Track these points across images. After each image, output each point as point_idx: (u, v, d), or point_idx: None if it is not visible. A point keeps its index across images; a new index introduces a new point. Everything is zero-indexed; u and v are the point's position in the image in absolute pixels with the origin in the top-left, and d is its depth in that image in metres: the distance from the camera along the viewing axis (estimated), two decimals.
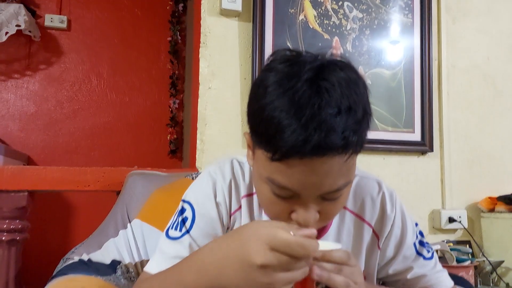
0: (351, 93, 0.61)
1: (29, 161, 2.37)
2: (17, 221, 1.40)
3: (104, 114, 2.56)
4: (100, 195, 1.73)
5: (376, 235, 0.84)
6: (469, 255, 1.67)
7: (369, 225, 0.83)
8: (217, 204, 0.80)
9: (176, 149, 2.62)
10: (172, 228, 0.80)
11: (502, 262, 1.72)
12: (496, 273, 1.71)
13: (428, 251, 0.87)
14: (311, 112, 0.59)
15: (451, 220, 1.81)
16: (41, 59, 2.50)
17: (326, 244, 0.69)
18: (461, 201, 1.88)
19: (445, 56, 1.91)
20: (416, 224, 0.89)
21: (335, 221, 0.83)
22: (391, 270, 0.85)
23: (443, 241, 1.79)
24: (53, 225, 2.30)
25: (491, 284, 1.73)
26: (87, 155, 2.48)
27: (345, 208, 0.84)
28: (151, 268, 0.76)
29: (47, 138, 2.46)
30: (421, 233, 0.88)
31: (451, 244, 1.76)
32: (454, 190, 1.87)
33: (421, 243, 0.87)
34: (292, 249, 0.54)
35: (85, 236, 1.27)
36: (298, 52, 0.66)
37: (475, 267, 1.67)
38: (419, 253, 0.85)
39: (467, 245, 1.84)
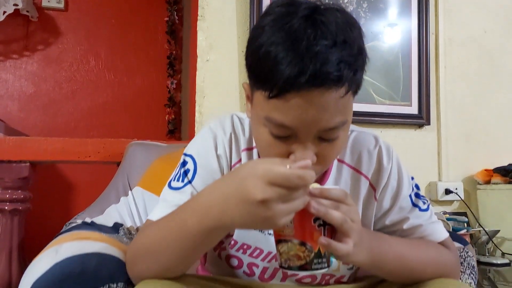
0: (347, 30, 0.64)
1: None
2: (19, 191, 1.43)
3: (102, 94, 2.57)
4: (100, 169, 1.75)
5: (372, 187, 0.85)
6: (465, 224, 1.70)
7: (366, 177, 0.85)
8: (218, 157, 0.81)
9: (175, 129, 2.63)
10: (174, 180, 0.82)
11: (498, 231, 1.75)
12: (493, 242, 1.74)
13: (424, 203, 0.88)
14: (306, 44, 0.60)
15: (447, 192, 1.83)
16: (39, 39, 2.50)
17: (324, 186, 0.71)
18: (457, 173, 1.90)
19: (442, 29, 1.92)
20: (412, 178, 0.90)
21: (333, 174, 0.84)
22: (387, 221, 0.86)
23: (440, 212, 1.81)
24: (55, 198, 2.32)
25: (487, 254, 1.76)
26: (85, 135, 2.48)
27: (342, 161, 0.85)
28: (154, 216, 0.77)
29: (46, 119, 2.47)
30: (417, 186, 0.90)
31: (448, 215, 1.78)
32: (451, 163, 1.89)
33: (417, 195, 0.88)
34: (289, 181, 0.55)
35: (87, 204, 1.29)
36: None
37: (471, 237, 1.70)
38: (415, 204, 0.86)
39: (463, 217, 1.86)
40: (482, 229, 1.75)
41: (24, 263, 1.40)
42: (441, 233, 0.87)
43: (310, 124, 0.64)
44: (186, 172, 0.81)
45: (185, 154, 0.84)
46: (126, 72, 2.62)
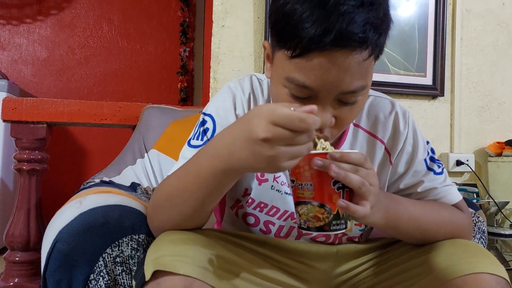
0: None
1: None
2: (36, 152, 1.45)
3: (115, 61, 2.58)
4: (115, 133, 1.77)
5: (388, 151, 0.86)
6: (475, 195, 1.71)
7: (382, 142, 0.86)
8: (236, 116, 0.82)
9: (187, 97, 2.64)
10: (193, 138, 0.83)
11: (507, 203, 1.76)
12: (502, 213, 1.76)
13: (439, 166, 0.89)
14: (334, 2, 0.60)
15: (458, 163, 1.83)
16: (52, 3, 2.49)
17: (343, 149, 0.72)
18: (469, 145, 1.90)
19: (460, 0, 1.89)
20: (428, 142, 0.90)
21: (348, 138, 0.85)
22: (402, 185, 0.88)
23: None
24: (70, 160, 2.37)
25: (495, 225, 1.78)
26: (99, 101, 2.50)
27: (358, 126, 0.86)
28: (174, 170, 0.79)
29: (60, 84, 2.49)
30: (432, 150, 0.90)
31: (458, 186, 1.79)
32: (463, 135, 1.89)
33: (432, 159, 0.89)
34: (291, 121, 0.55)
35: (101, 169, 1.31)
36: None
37: (480, 207, 1.71)
38: (429, 168, 0.87)
39: (474, 187, 1.88)
40: (491, 200, 1.76)
41: (41, 222, 1.43)
42: (455, 195, 0.88)
43: (331, 85, 0.64)
44: (205, 131, 0.82)
45: (204, 114, 0.85)
46: (139, 39, 2.62)
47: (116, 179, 1.19)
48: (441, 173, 0.89)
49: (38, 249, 1.33)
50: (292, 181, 0.66)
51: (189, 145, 0.83)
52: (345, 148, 0.85)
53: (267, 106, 0.58)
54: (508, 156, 1.82)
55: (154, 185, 1.24)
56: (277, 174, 0.85)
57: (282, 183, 0.84)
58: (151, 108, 1.43)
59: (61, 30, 2.50)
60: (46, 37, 2.48)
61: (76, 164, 2.40)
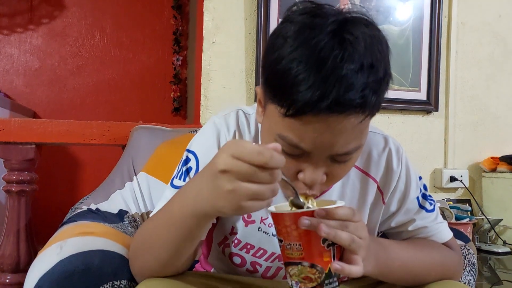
0: (375, 50, 0.60)
1: (34, 117, 2.39)
2: (26, 172, 1.43)
3: (108, 70, 2.55)
4: (106, 150, 1.76)
5: (380, 191, 0.84)
6: (468, 213, 1.70)
7: (374, 180, 0.83)
8: None
9: (180, 106, 2.62)
10: (176, 177, 0.81)
11: (500, 220, 1.75)
12: (494, 230, 1.75)
13: (431, 204, 0.87)
14: (332, 65, 0.57)
15: (452, 179, 1.82)
16: (44, 12, 2.46)
17: (330, 201, 0.70)
18: (463, 161, 1.89)
19: (456, 12, 1.87)
20: (420, 178, 0.89)
21: None
22: (393, 223, 0.86)
23: (443, 199, 1.81)
24: (61, 179, 2.34)
25: (489, 242, 1.77)
26: (91, 112, 2.49)
27: None
28: (155, 211, 0.78)
29: (52, 94, 2.47)
30: (424, 187, 0.89)
31: (451, 203, 1.78)
32: (457, 150, 1.87)
33: (424, 196, 0.87)
34: (250, 154, 0.53)
35: (92, 188, 1.30)
36: (319, 4, 0.64)
37: (474, 225, 1.70)
38: (421, 206, 0.86)
39: (467, 204, 1.87)
40: (484, 217, 1.75)
41: (32, 243, 1.42)
42: (446, 233, 0.87)
43: (324, 148, 0.62)
44: (188, 171, 0.80)
45: (188, 151, 0.83)
46: (132, 48, 2.60)
47: (104, 205, 1.17)
48: (432, 210, 0.87)
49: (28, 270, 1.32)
50: (280, 240, 0.64)
51: (172, 185, 0.81)
52: (336, 187, 0.83)
53: (233, 140, 0.58)
54: (502, 172, 1.81)
55: (143, 210, 1.22)
56: (264, 215, 0.82)
57: (270, 225, 0.82)
58: (140, 128, 1.41)
59: (53, 39, 2.48)
60: (38, 46, 2.46)
61: (67, 179, 2.38)
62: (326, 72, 0.57)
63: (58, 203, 1.58)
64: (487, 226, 1.76)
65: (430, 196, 0.89)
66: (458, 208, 1.70)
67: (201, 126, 1.54)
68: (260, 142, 0.81)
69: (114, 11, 2.57)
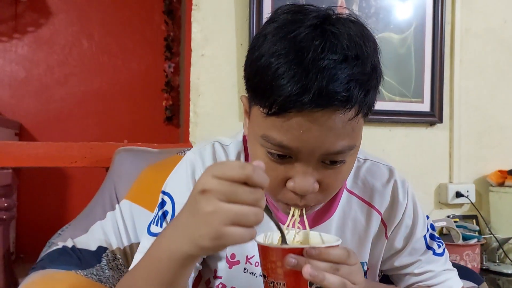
0: (360, 44, 0.56)
1: (21, 129, 2.29)
2: (3, 199, 1.35)
3: (97, 79, 2.46)
4: (92, 167, 1.66)
5: (384, 224, 0.78)
6: (476, 232, 1.61)
7: (378, 212, 0.77)
8: None
9: (172, 115, 2.52)
10: (153, 223, 0.75)
11: (509, 239, 1.66)
12: (503, 250, 1.65)
13: (439, 246, 0.81)
14: (312, 57, 0.53)
15: (458, 195, 1.73)
16: (29, 20, 2.37)
17: (326, 238, 0.62)
18: (469, 174, 1.79)
19: (459, 19, 1.76)
20: (427, 217, 0.83)
21: (341, 205, 0.76)
22: (397, 263, 0.80)
23: (449, 216, 1.72)
24: (47, 198, 2.25)
25: (497, 261, 1.68)
26: (80, 122, 2.39)
27: (352, 193, 0.78)
28: (133, 264, 0.71)
29: (39, 105, 2.37)
30: (432, 227, 0.83)
31: (457, 220, 1.69)
32: (463, 163, 1.78)
33: (432, 237, 0.81)
34: (231, 169, 0.48)
35: (81, 208, 1.21)
36: (304, 4, 0.61)
37: (481, 245, 1.61)
38: (429, 247, 0.80)
39: (474, 220, 1.77)
40: (492, 235, 1.66)
41: (10, 274, 1.33)
42: (455, 283, 0.80)
43: (312, 146, 0.56)
44: (164, 215, 0.73)
45: (163, 192, 0.76)
46: (121, 55, 2.50)
47: (82, 240, 1.08)
48: (441, 254, 0.80)
49: None
50: (264, 276, 0.57)
51: (149, 231, 0.74)
52: (335, 217, 0.76)
53: (217, 162, 0.54)
54: (510, 186, 1.72)
55: (126, 243, 1.13)
56: (250, 254, 0.75)
57: (257, 264, 0.75)
58: (123, 151, 1.31)
59: (39, 48, 2.38)
60: (24, 55, 2.36)
61: (54, 199, 2.28)
62: (307, 64, 0.53)
63: (45, 223, 1.48)
64: (495, 244, 1.67)
65: (439, 238, 0.82)
66: (465, 227, 1.60)
67: (191, 145, 1.46)
68: None
69: (102, 18, 2.47)
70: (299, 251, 0.53)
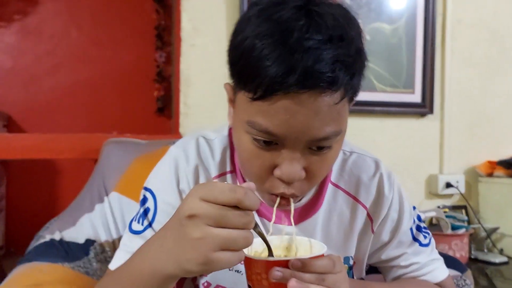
0: (344, 26, 0.55)
1: (9, 121, 2.26)
2: None
3: (86, 69, 2.41)
4: (81, 159, 1.64)
5: (370, 218, 0.77)
6: (465, 222, 1.62)
7: (364, 206, 0.77)
8: (180, 192, 0.72)
9: (164, 106, 2.49)
10: (135, 220, 0.73)
11: (497, 228, 1.68)
12: (491, 239, 1.67)
13: (425, 237, 0.81)
14: (297, 36, 0.52)
15: (448, 185, 1.74)
16: (15, 8, 2.31)
17: (312, 243, 0.61)
18: (459, 165, 1.80)
19: (451, 9, 1.76)
20: (414, 208, 0.83)
21: (327, 199, 0.76)
22: (383, 256, 0.80)
23: (438, 206, 1.73)
24: (37, 191, 2.22)
25: (485, 250, 1.70)
26: (70, 113, 2.36)
27: (337, 186, 0.77)
28: (113, 265, 0.70)
29: (27, 96, 2.33)
30: (419, 218, 0.82)
31: (447, 210, 1.70)
32: (453, 154, 1.78)
33: (418, 228, 0.81)
34: (222, 192, 0.46)
35: (70, 200, 1.20)
36: None
37: (470, 234, 1.62)
38: (415, 239, 0.80)
39: (463, 210, 1.79)
40: (480, 225, 1.68)
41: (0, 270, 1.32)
42: (441, 272, 0.81)
43: (298, 131, 0.56)
44: (146, 212, 0.72)
45: (145, 188, 0.75)
46: (111, 45, 2.46)
47: (70, 233, 1.07)
48: (427, 244, 0.80)
49: None
50: (249, 286, 0.56)
51: (131, 229, 0.73)
52: (321, 212, 0.75)
53: (202, 183, 0.52)
54: (499, 177, 1.73)
55: (114, 236, 1.12)
56: None
57: (242, 262, 0.74)
58: (112, 142, 1.30)
59: (26, 37, 2.33)
60: (10, 44, 2.31)
61: (44, 190, 2.24)
62: (292, 45, 0.52)
63: (36, 217, 1.45)
64: (483, 234, 1.68)
65: (425, 228, 0.82)
66: (454, 217, 1.61)
67: (181, 137, 1.45)
68: (227, 167, 0.74)
69: (91, 6, 2.42)
70: (284, 263, 0.53)
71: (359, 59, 0.57)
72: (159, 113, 2.50)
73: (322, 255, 0.56)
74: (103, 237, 1.08)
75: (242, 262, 0.73)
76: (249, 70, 0.55)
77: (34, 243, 1.04)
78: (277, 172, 0.59)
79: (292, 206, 0.63)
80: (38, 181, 2.19)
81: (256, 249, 0.59)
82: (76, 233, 1.06)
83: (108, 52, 2.45)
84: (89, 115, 2.38)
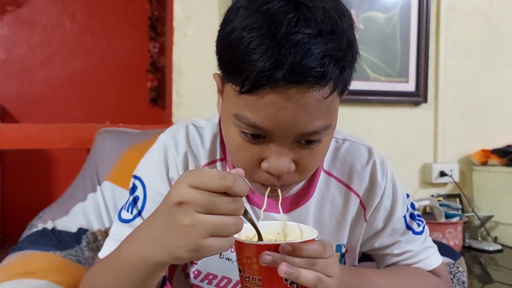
0: (335, 18, 0.54)
1: (3, 112, 2.25)
2: None
3: (80, 60, 2.40)
4: (74, 149, 1.64)
5: (363, 206, 0.77)
6: (459, 210, 1.63)
7: (357, 194, 0.76)
8: (169, 181, 0.72)
9: (158, 97, 2.49)
10: (124, 208, 0.73)
11: (491, 217, 1.69)
12: (485, 228, 1.68)
13: (419, 225, 0.81)
14: (286, 30, 0.51)
15: (442, 174, 1.74)
16: None
17: (304, 229, 0.61)
18: (453, 153, 1.81)
19: None
20: (408, 195, 0.82)
21: (319, 187, 0.75)
22: (377, 244, 0.80)
23: (433, 195, 1.74)
24: (32, 181, 2.22)
25: (479, 238, 1.71)
26: (64, 104, 2.35)
27: (330, 174, 0.76)
28: (103, 253, 0.70)
29: (21, 87, 2.32)
30: (412, 205, 0.82)
31: (441, 199, 1.71)
32: (447, 143, 1.79)
33: (412, 216, 0.80)
34: (210, 179, 0.46)
35: (65, 189, 1.19)
36: None
37: (464, 222, 1.63)
38: (408, 227, 0.79)
39: (457, 199, 1.79)
40: (474, 213, 1.68)
41: None
42: (435, 259, 0.80)
43: (286, 126, 0.55)
44: (135, 200, 0.72)
45: (134, 177, 0.74)
46: (105, 36, 2.44)
47: (63, 222, 1.07)
48: (420, 232, 0.80)
49: None
50: (240, 270, 0.56)
51: (119, 217, 0.72)
52: (314, 200, 0.75)
53: (191, 170, 0.52)
54: (493, 165, 1.74)
55: (107, 225, 1.12)
56: None
57: (232, 250, 0.74)
58: (105, 132, 1.30)
59: (20, 28, 2.31)
60: (4, 35, 2.30)
61: (39, 179, 2.24)
62: (280, 39, 0.51)
63: (30, 206, 1.45)
64: (478, 222, 1.69)
65: (419, 216, 0.81)
66: (448, 205, 1.62)
67: None
68: (217, 155, 0.74)
69: None
70: (274, 247, 0.52)
71: (350, 52, 0.56)
72: (153, 104, 2.50)
73: (313, 240, 0.55)
74: (95, 226, 1.09)
75: (233, 249, 0.73)
76: (236, 63, 0.54)
77: (26, 232, 1.04)
78: (264, 165, 0.58)
79: (280, 195, 0.63)
80: (32, 171, 2.19)
81: (247, 234, 0.59)
82: (69, 222, 1.06)
83: (102, 43, 2.43)
84: (83, 105, 2.37)
